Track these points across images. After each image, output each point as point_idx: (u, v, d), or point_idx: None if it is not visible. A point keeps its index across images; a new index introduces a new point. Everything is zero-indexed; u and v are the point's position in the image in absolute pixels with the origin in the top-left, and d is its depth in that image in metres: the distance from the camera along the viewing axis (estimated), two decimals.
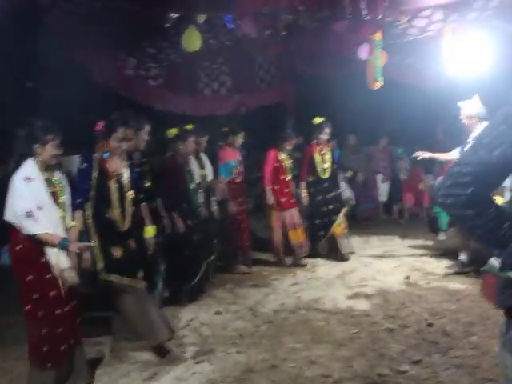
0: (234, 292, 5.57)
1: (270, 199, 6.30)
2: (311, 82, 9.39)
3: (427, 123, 9.74)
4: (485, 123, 5.34)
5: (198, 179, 5.46)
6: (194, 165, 5.47)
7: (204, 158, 5.77)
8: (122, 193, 3.77)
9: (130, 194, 3.80)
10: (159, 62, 6.80)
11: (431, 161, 9.02)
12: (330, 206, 6.64)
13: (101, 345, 4.18)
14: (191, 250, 5.10)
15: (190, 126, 5.52)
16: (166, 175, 5.00)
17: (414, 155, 5.92)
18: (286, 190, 6.44)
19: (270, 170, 6.32)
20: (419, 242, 7.50)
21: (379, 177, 8.94)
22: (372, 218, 8.76)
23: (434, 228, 7.77)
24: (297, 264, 6.46)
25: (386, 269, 6.14)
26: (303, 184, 6.65)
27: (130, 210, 3.82)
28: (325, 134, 6.54)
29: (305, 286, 5.70)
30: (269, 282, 5.88)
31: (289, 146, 6.44)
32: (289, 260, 6.54)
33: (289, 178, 6.49)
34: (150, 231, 4.07)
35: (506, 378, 1.76)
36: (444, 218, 7.50)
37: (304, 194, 6.62)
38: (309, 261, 6.60)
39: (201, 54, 6.26)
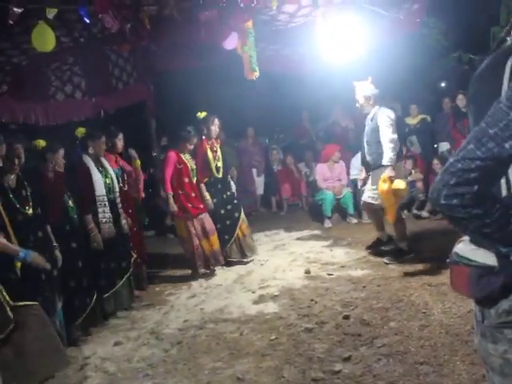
0: (129, 316, 4.97)
1: (173, 206, 5.73)
2: (170, 78, 8.93)
3: (292, 111, 9.80)
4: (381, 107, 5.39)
5: (102, 190, 4.86)
6: (96, 173, 4.88)
7: (106, 164, 5.08)
8: None
9: None
10: (0, 66, 5.90)
11: (302, 148, 9.14)
12: (229, 207, 6.20)
13: None
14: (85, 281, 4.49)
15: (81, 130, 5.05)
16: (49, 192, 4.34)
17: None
18: (193, 195, 5.86)
19: (171, 174, 5.74)
20: (305, 232, 7.44)
21: (254, 171, 8.78)
22: (252, 213, 8.56)
23: (317, 216, 7.81)
24: (210, 274, 5.92)
25: (283, 265, 5.93)
26: (202, 186, 6.05)
27: None
28: (215, 126, 6.05)
29: (204, 296, 5.28)
30: (164, 299, 5.35)
31: (190, 146, 5.88)
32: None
33: (194, 180, 5.92)
34: None
35: (491, 366, 1.65)
36: (328, 205, 7.56)
37: (207, 196, 6.04)
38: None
39: (49, 54, 5.47)
